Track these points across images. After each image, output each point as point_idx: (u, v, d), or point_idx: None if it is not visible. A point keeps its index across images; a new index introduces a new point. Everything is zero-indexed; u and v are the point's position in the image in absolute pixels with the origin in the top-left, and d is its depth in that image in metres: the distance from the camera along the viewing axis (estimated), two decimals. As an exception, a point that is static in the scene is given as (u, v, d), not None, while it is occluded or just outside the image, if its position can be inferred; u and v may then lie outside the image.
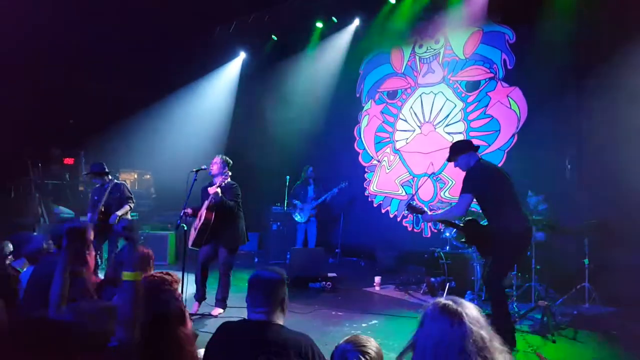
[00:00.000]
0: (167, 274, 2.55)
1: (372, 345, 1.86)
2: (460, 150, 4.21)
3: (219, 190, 4.79)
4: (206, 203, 4.91)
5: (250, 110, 9.55)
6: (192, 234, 4.98)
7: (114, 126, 8.91)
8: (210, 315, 4.97)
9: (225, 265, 5.07)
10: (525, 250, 4.12)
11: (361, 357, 1.79)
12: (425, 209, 4.64)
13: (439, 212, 4.40)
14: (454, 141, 4.47)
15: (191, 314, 4.82)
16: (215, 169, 5.05)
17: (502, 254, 4.02)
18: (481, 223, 4.26)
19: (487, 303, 5.21)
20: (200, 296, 5.10)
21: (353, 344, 1.86)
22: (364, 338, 1.91)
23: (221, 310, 5.06)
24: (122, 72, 8.88)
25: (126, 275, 2.11)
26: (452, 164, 4.37)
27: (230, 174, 5.04)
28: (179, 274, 2.76)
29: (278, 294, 2.15)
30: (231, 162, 5.16)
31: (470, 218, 4.28)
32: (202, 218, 4.88)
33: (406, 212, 7.35)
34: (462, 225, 4.29)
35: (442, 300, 1.36)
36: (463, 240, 4.39)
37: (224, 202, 4.86)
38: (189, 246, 4.99)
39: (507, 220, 3.96)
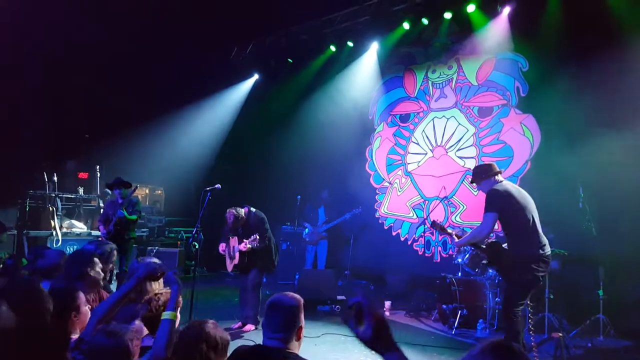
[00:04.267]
0: (161, 294, 2.58)
1: None
2: (482, 174, 4.23)
3: (249, 246, 5.19)
4: (240, 247, 5.33)
5: (262, 129, 9.64)
6: (229, 262, 5.54)
7: (128, 141, 9.04)
8: (242, 332, 5.20)
9: (253, 282, 5.38)
10: (542, 278, 4.06)
11: None
12: (450, 230, 4.63)
13: (465, 235, 4.36)
14: (476, 164, 4.48)
15: (230, 329, 5.23)
16: (238, 224, 5.43)
17: (516, 280, 4.00)
18: (504, 246, 4.24)
19: (500, 332, 5.15)
20: (243, 316, 5.43)
21: None
22: None
23: (253, 327, 5.23)
24: (139, 88, 9.05)
25: (165, 315, 2.22)
26: (465, 188, 4.41)
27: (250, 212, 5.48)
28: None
29: (296, 320, 2.15)
30: (241, 214, 5.44)
31: (494, 240, 4.26)
32: (237, 257, 5.40)
33: (424, 228, 7.34)
34: (484, 247, 4.27)
35: (504, 341, 1.28)
36: (484, 262, 4.36)
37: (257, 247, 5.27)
38: (228, 270, 5.63)
39: (525, 245, 3.94)
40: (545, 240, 4.02)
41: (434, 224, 4.58)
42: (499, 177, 4.21)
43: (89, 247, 3.05)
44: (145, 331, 2.56)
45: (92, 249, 3.02)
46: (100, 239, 6.68)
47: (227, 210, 5.42)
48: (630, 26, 5.73)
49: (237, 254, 5.36)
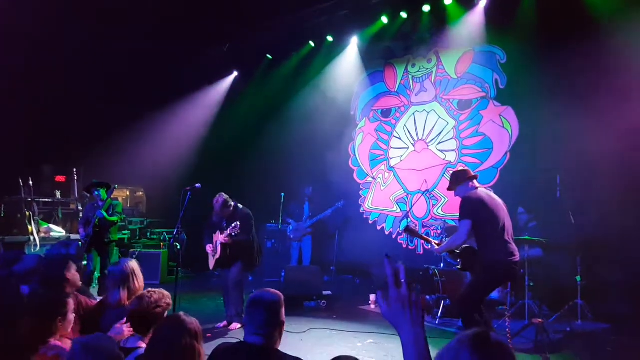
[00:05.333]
0: (154, 292, 2.57)
1: None
2: (458, 181, 4.33)
3: (229, 232, 5.12)
4: (221, 238, 5.25)
5: (243, 127, 9.57)
6: (212, 260, 5.43)
7: (106, 143, 8.88)
8: (228, 330, 5.17)
9: (233, 281, 5.33)
10: (507, 282, 4.20)
11: None
12: (430, 237, 4.74)
13: (443, 243, 4.45)
14: (453, 171, 4.57)
15: (216, 328, 5.19)
16: (225, 212, 5.36)
17: (480, 281, 4.13)
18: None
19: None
20: (228, 315, 5.40)
21: None
22: (351, 358, 1.96)
23: (238, 325, 5.23)
24: (115, 88, 8.89)
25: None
26: (446, 181, 4.51)
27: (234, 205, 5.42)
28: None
29: (278, 316, 2.15)
30: (230, 202, 5.42)
31: (467, 246, 4.33)
32: (219, 251, 5.28)
33: (404, 234, 7.39)
34: (458, 252, 4.34)
35: (482, 331, 1.24)
36: (459, 267, 4.43)
37: (239, 240, 5.22)
38: (211, 269, 5.53)
39: (492, 251, 4.04)
40: (514, 247, 4.11)
41: (407, 230, 4.63)
42: (475, 183, 4.30)
43: (62, 250, 3.00)
44: (127, 334, 2.53)
45: (64, 251, 2.97)
46: (79, 242, 6.56)
47: (218, 194, 5.33)
48: (603, 16, 5.88)
49: (219, 247, 5.28)
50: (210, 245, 5.41)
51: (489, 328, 4.05)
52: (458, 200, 4.27)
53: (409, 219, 7.85)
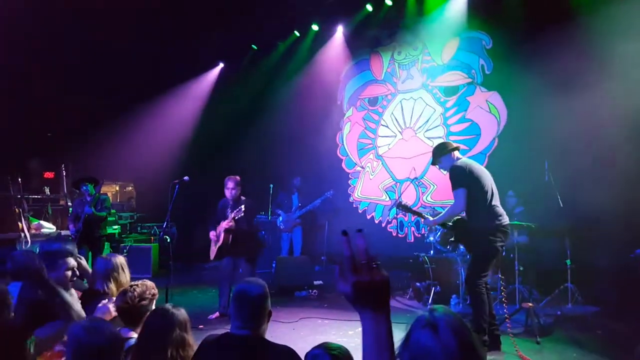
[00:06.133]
0: (137, 285, 2.57)
1: (342, 350, 1.97)
2: (441, 153, 4.33)
3: (232, 223, 5.19)
4: (226, 223, 5.28)
5: (231, 120, 9.51)
6: (214, 248, 5.43)
7: (94, 138, 8.80)
8: (225, 320, 5.15)
9: (248, 275, 5.31)
10: (502, 247, 4.20)
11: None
12: (420, 210, 4.74)
13: (439, 215, 4.46)
14: (435, 145, 4.56)
15: (209, 320, 5.17)
16: (237, 190, 5.45)
17: (479, 252, 4.15)
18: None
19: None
20: (223, 305, 5.34)
21: (323, 348, 1.94)
22: (335, 344, 2.00)
23: None
24: (101, 82, 8.78)
25: None
26: (435, 167, 4.51)
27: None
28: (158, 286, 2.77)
29: (264, 308, 2.15)
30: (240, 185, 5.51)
31: (459, 217, 4.36)
32: (221, 238, 5.28)
33: (396, 210, 7.38)
34: (451, 224, 4.37)
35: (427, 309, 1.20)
36: (452, 239, 4.46)
37: (241, 228, 5.28)
38: (211, 259, 5.53)
39: (482, 218, 4.07)
40: (501, 211, 4.15)
41: (399, 206, 4.65)
42: (457, 154, 4.32)
43: (54, 246, 2.97)
44: (114, 313, 2.54)
45: (57, 246, 2.95)
46: (70, 238, 6.53)
47: (228, 177, 5.42)
48: (587, 1, 5.88)
49: (222, 234, 5.26)
50: (214, 232, 5.43)
51: (489, 305, 4.09)
52: (447, 187, 4.28)
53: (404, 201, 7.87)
